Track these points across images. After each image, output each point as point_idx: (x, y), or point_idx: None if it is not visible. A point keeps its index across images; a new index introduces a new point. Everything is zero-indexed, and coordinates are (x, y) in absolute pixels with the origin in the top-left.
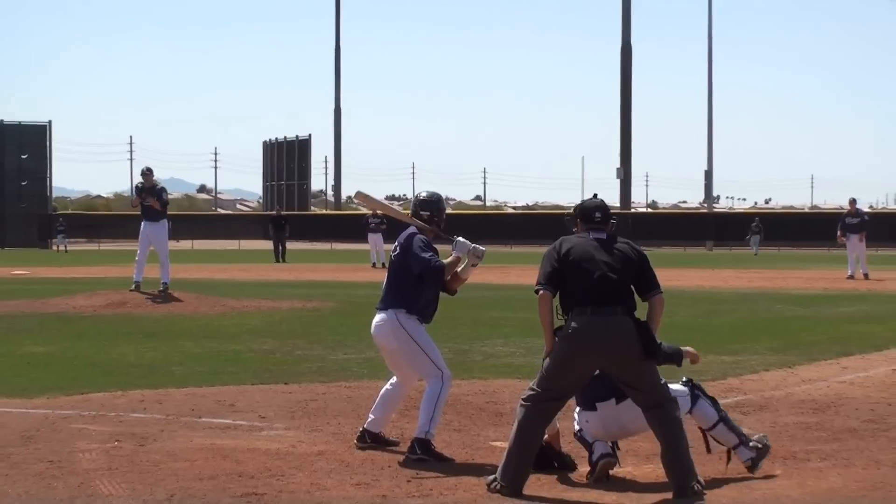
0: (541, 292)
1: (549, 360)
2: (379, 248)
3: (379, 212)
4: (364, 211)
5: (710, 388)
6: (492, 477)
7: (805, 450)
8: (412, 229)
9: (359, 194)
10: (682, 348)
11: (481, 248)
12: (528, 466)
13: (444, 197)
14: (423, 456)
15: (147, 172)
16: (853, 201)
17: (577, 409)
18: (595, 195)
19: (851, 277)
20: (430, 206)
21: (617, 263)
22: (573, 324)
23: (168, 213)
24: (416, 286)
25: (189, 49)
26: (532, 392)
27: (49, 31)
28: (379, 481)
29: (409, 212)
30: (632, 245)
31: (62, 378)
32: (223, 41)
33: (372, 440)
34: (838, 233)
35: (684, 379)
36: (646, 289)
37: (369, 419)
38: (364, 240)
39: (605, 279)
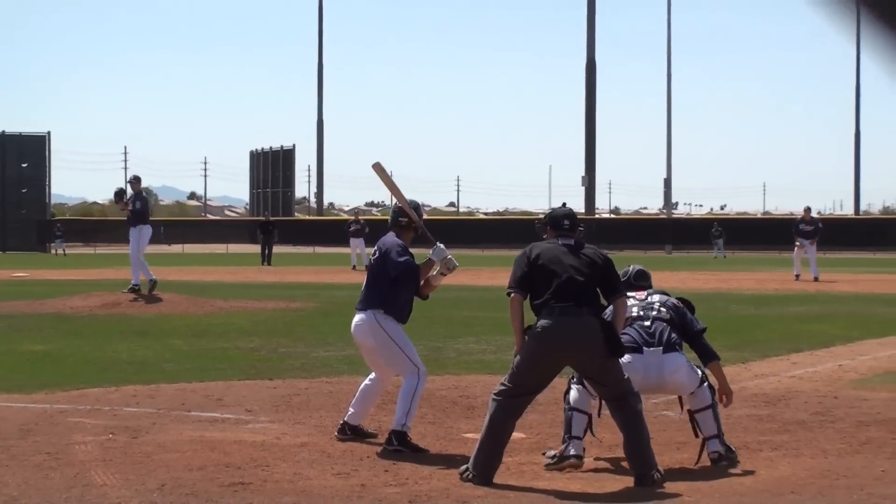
0: (512, 295)
1: (519, 358)
2: (360, 251)
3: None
4: (345, 217)
5: None
6: (464, 467)
7: (757, 440)
8: (391, 235)
9: (376, 165)
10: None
11: (455, 261)
12: (498, 457)
13: (420, 204)
14: (400, 447)
15: (133, 181)
16: (808, 209)
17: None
18: (564, 204)
19: (798, 277)
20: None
21: (583, 267)
22: (542, 323)
23: (153, 220)
24: (394, 288)
25: (180, 64)
26: (503, 387)
27: (49, 47)
28: (358, 471)
29: (388, 219)
30: (597, 250)
31: (59, 374)
32: (212, 57)
33: (352, 432)
34: (796, 239)
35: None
36: (610, 291)
37: (349, 412)
38: (345, 244)
39: (571, 281)
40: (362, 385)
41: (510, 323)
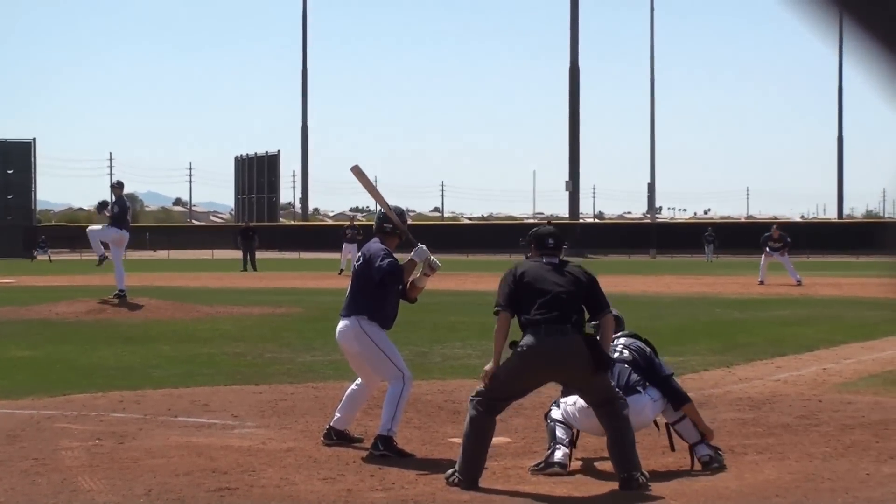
0: (500, 313)
1: (502, 368)
2: (352, 256)
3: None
4: (330, 222)
5: None
6: (450, 471)
7: (742, 444)
8: (376, 241)
9: (355, 168)
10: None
11: (437, 262)
12: (482, 460)
13: (405, 210)
14: (386, 451)
15: (115, 185)
16: (776, 228)
17: (570, 398)
18: (548, 222)
19: (762, 283)
20: (392, 219)
21: (568, 285)
22: (526, 341)
23: (138, 225)
24: (378, 294)
25: (165, 70)
26: (482, 391)
27: (33, 54)
28: (344, 476)
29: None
30: (582, 268)
31: (46, 380)
32: (197, 63)
33: (338, 437)
34: (766, 250)
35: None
36: (596, 309)
37: (335, 417)
38: (330, 249)
39: (556, 299)
40: (349, 390)
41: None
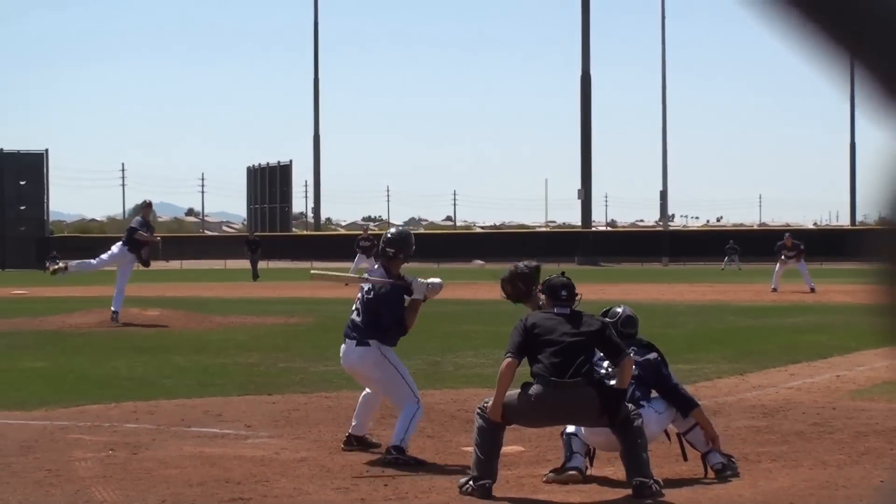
0: (509, 359)
1: (513, 401)
2: (364, 265)
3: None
4: (342, 231)
5: None
6: (463, 480)
7: (756, 452)
8: (380, 269)
9: (314, 275)
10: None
11: (437, 280)
12: (494, 468)
13: (411, 232)
14: (399, 456)
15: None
16: (789, 237)
17: None
18: (562, 273)
19: (775, 290)
20: (396, 244)
21: (579, 336)
22: (535, 390)
23: (151, 237)
24: (391, 321)
25: (176, 80)
26: (486, 405)
27: (45, 64)
28: (357, 486)
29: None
30: (593, 318)
31: (59, 391)
32: (208, 73)
33: (357, 443)
34: (781, 257)
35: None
36: (613, 355)
37: (353, 424)
38: (342, 258)
39: (565, 350)
40: (362, 396)
41: (497, 382)
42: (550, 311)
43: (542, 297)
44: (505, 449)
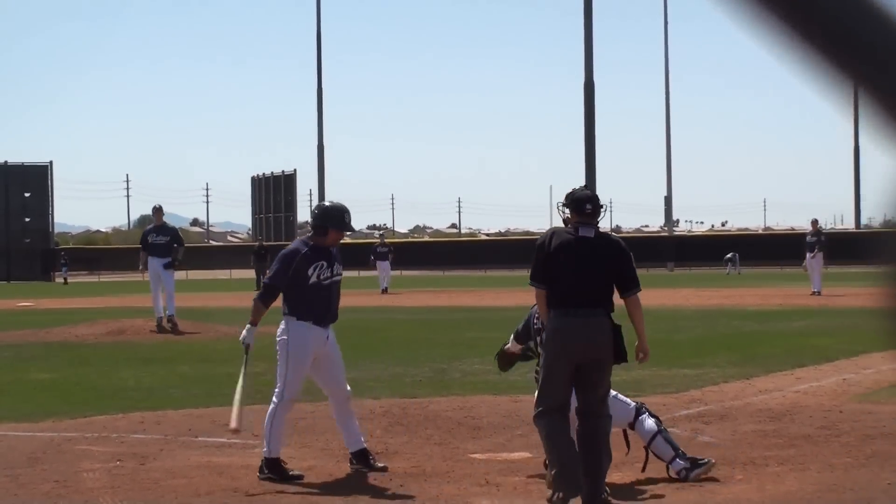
0: (539, 289)
1: (542, 371)
2: (385, 273)
3: (381, 248)
4: (347, 240)
5: (673, 399)
6: (550, 493)
7: (763, 455)
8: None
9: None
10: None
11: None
12: (577, 464)
13: (346, 210)
14: (270, 475)
15: (158, 210)
16: (814, 222)
17: None
18: (585, 186)
19: (818, 293)
20: (317, 217)
21: (601, 263)
22: (554, 325)
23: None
24: (289, 293)
25: (179, 91)
26: (540, 406)
27: (49, 76)
28: (365, 494)
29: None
30: (618, 242)
31: (66, 402)
32: (211, 83)
33: (358, 461)
34: (805, 256)
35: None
36: (624, 287)
37: (346, 442)
38: (349, 266)
39: (588, 280)
40: (335, 416)
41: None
42: (574, 232)
43: (566, 211)
44: (512, 455)
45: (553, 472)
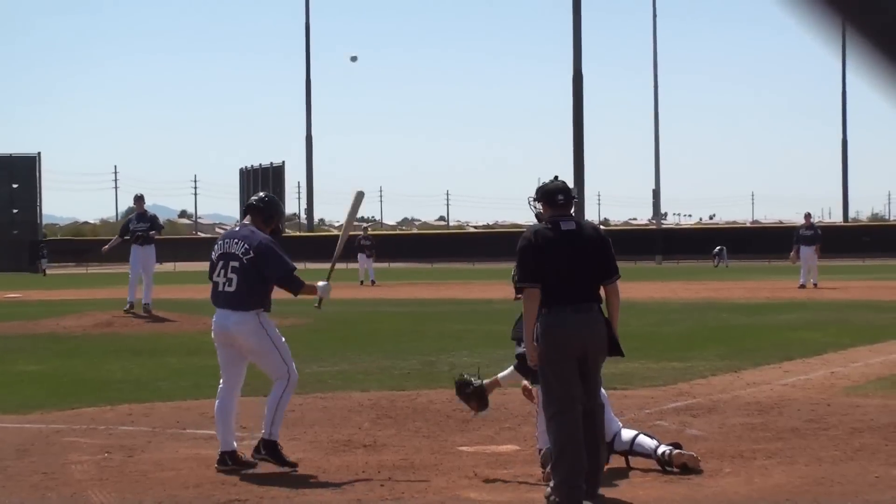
0: (530, 288)
1: (544, 371)
2: (368, 266)
3: (364, 240)
4: (335, 232)
5: (661, 392)
6: (549, 491)
7: (751, 449)
8: (253, 230)
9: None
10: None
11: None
12: (581, 475)
13: (276, 201)
14: (268, 457)
15: (139, 199)
16: (808, 215)
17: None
18: (556, 177)
19: (803, 287)
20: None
21: (589, 257)
22: (552, 322)
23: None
24: (270, 288)
25: (168, 83)
26: (553, 410)
27: (37, 68)
28: (354, 486)
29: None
30: (597, 230)
31: (54, 394)
32: (201, 75)
33: (232, 462)
34: (793, 248)
35: None
36: (604, 275)
37: (220, 441)
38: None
39: (580, 276)
40: (217, 408)
41: (522, 320)
42: (555, 226)
43: (538, 205)
44: (500, 448)
45: (557, 480)
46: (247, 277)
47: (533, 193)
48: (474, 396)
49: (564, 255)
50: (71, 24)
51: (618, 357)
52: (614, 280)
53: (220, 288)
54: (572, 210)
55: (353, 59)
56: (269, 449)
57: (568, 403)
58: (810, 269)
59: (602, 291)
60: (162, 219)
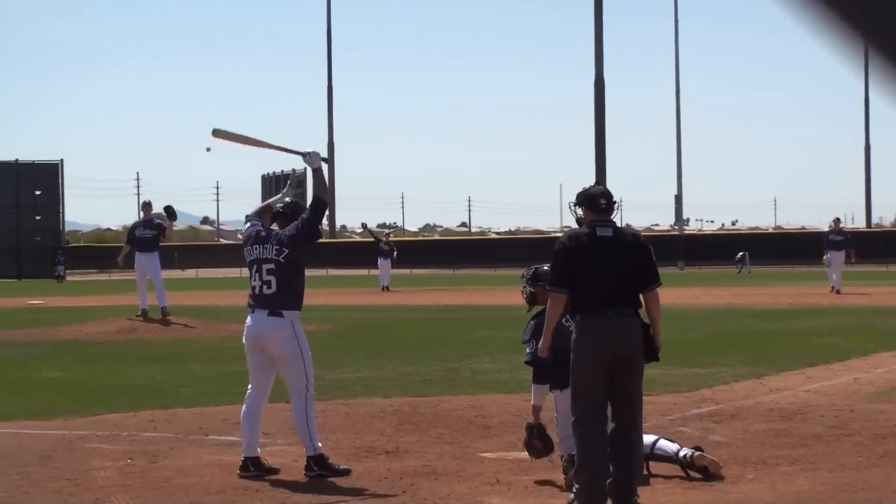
0: (557, 294)
1: (572, 375)
2: (385, 271)
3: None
4: (357, 238)
5: (684, 398)
6: (572, 497)
7: (774, 455)
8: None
9: (216, 132)
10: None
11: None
12: (604, 483)
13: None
14: (322, 471)
15: (146, 205)
16: (837, 220)
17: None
18: (597, 182)
19: (838, 292)
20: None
21: (626, 261)
22: (584, 326)
23: (168, 243)
24: (302, 281)
25: (189, 89)
26: (577, 415)
27: (59, 74)
28: (376, 492)
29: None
30: (638, 236)
31: (77, 400)
32: (222, 81)
33: (255, 468)
34: (825, 252)
35: None
36: (644, 283)
37: (245, 446)
38: (360, 265)
39: (615, 281)
40: (244, 413)
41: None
42: (592, 231)
43: (579, 210)
44: (522, 454)
45: (577, 488)
46: (287, 272)
47: (573, 198)
48: (537, 437)
49: (598, 261)
50: (93, 29)
51: (653, 362)
52: (654, 288)
53: (258, 291)
54: (613, 215)
55: (208, 150)
56: (319, 463)
57: (593, 408)
58: (839, 273)
59: (642, 299)
60: (184, 225)
